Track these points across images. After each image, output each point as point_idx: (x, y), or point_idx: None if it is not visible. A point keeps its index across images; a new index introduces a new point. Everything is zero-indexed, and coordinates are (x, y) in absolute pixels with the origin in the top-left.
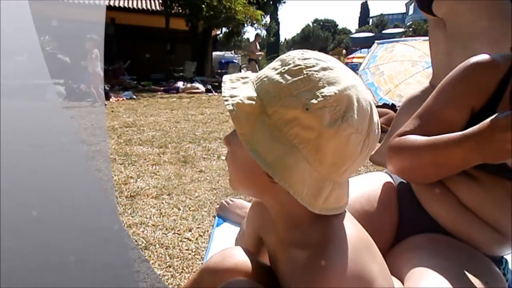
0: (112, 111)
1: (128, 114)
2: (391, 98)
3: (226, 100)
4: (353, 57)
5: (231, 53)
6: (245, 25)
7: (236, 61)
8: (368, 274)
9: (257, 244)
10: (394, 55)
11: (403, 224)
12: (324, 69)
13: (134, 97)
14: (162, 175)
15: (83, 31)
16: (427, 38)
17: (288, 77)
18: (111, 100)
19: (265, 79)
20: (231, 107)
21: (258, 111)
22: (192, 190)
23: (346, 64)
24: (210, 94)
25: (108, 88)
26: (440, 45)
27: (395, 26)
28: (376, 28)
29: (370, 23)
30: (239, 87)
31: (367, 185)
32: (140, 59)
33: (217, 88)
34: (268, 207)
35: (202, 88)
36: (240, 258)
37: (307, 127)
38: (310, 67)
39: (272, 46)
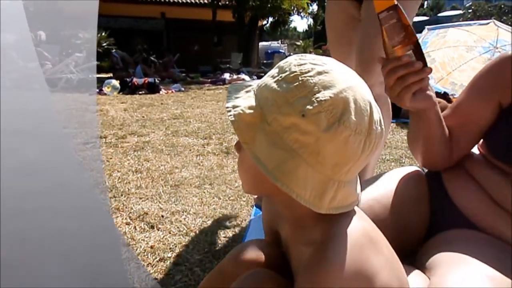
0: (162, 104)
1: (176, 106)
2: (444, 86)
3: (229, 111)
4: None
5: (278, 43)
6: (291, 14)
7: (283, 51)
8: (370, 268)
9: (274, 236)
10: (447, 41)
11: (434, 219)
12: (319, 73)
13: (183, 89)
14: (205, 165)
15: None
16: (483, 22)
17: (285, 85)
18: (161, 92)
19: (264, 87)
20: (233, 118)
21: (258, 119)
22: (232, 180)
23: None
24: None
25: (158, 81)
26: None
27: (453, 8)
28: (431, 11)
29: (425, 5)
30: (242, 96)
31: (396, 180)
32: (189, 51)
33: None
34: (278, 207)
35: (248, 79)
36: (261, 250)
37: (305, 133)
38: (305, 72)
39: (320, 35)
